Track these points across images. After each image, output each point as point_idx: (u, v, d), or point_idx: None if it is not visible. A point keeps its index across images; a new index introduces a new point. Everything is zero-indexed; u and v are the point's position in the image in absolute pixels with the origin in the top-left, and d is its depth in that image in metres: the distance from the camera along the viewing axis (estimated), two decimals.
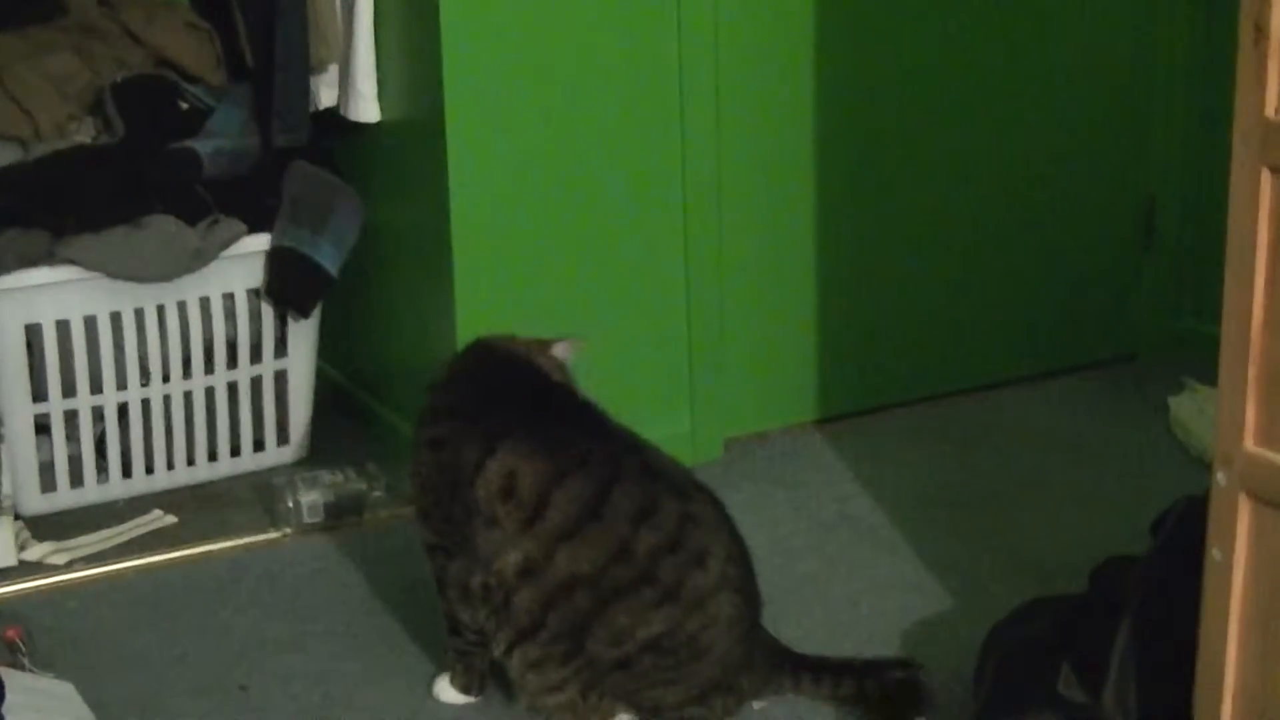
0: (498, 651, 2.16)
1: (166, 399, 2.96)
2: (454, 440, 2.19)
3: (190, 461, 3.02)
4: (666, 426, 2.95)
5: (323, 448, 3.12)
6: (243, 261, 2.97)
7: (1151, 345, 3.51)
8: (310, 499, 2.83)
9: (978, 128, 3.30)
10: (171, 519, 2.90)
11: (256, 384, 3.06)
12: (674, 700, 2.14)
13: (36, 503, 2.90)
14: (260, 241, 2.98)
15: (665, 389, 3.03)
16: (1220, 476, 1.73)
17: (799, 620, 2.45)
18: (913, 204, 3.27)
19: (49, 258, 2.81)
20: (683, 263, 2.99)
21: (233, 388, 3.03)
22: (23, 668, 2.31)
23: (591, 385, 2.34)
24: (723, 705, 2.17)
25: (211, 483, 3.04)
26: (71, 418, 2.90)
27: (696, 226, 2.98)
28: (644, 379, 3.01)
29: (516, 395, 2.25)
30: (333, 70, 3.02)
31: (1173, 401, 3.12)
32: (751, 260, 3.11)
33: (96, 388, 2.89)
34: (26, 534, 2.80)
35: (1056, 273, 3.44)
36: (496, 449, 2.13)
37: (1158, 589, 1.97)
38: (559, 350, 2.35)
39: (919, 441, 3.15)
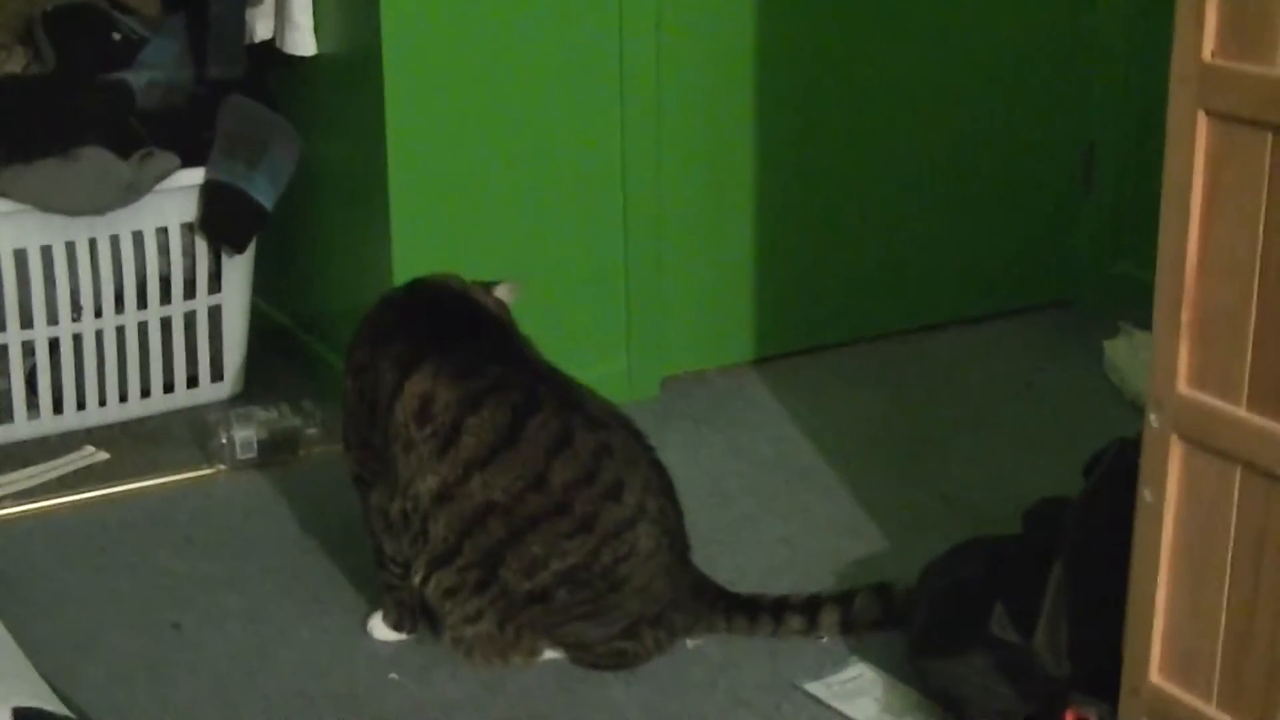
0: (416, 579, 2.17)
1: (99, 334, 2.93)
2: (376, 365, 2.18)
3: (123, 397, 2.99)
4: (603, 365, 2.95)
5: (259, 385, 3.10)
6: (177, 195, 2.93)
7: (1088, 290, 3.52)
8: (244, 435, 2.81)
9: (919, 72, 3.29)
10: (104, 455, 2.87)
11: (190, 319, 3.02)
12: (599, 635, 2.15)
13: None
14: (194, 175, 2.94)
15: (602, 327, 3.03)
16: (1153, 419, 1.74)
17: (734, 560, 2.45)
18: (852, 146, 3.26)
19: None
20: (621, 200, 2.98)
21: (166, 323, 2.99)
22: None
23: (529, 324, 2.34)
24: (653, 639, 2.18)
25: (144, 419, 3.01)
26: (1, 353, 2.86)
27: (635, 164, 2.96)
28: (581, 317, 3.00)
29: (441, 323, 2.25)
30: (269, 2, 2.97)
31: (1108, 345, 3.14)
32: (690, 198, 3.10)
33: (27, 322, 2.85)
34: None
35: (995, 217, 3.45)
36: (414, 372, 2.13)
37: (1090, 530, 1.98)
38: (501, 292, 2.35)
39: (856, 382, 3.16)
